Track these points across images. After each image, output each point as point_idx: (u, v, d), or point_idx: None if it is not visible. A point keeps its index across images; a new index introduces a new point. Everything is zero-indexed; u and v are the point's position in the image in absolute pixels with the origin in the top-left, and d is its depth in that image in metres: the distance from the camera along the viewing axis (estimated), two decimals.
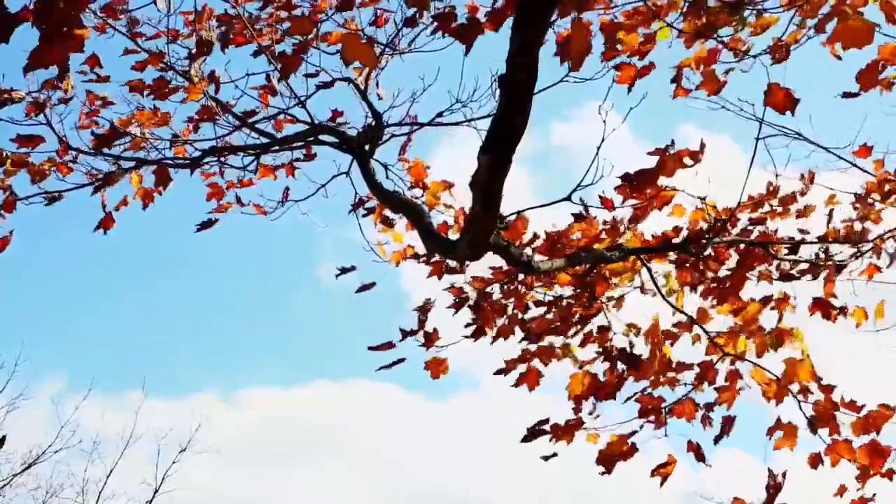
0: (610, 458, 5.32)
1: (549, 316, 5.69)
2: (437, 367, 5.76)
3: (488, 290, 5.79)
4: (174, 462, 19.85)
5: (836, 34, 3.66)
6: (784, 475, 4.18)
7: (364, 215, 6.15)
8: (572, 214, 5.04)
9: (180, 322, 31.50)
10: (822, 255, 5.69)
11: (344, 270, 5.96)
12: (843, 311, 5.63)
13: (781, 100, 4.31)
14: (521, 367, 5.69)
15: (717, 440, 5.46)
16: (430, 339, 5.67)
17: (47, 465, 24.02)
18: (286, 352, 33.57)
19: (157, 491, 19.49)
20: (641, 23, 4.69)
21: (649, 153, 4.84)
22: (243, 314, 33.28)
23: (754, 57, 4.67)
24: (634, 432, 5.37)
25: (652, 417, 5.42)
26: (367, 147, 5.23)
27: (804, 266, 5.71)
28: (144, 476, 19.71)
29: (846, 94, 4.85)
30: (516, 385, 5.65)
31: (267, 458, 28.00)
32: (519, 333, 5.76)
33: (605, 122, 4.20)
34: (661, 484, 5.28)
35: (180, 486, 19.68)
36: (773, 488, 4.15)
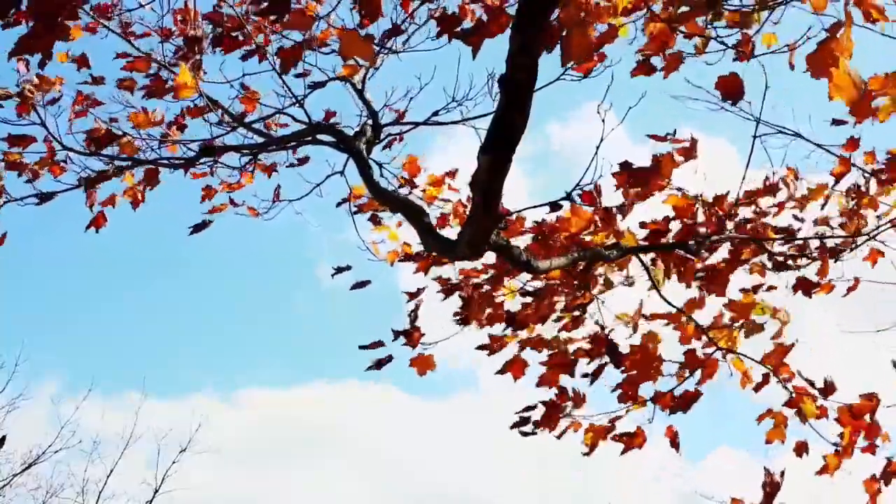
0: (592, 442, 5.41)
1: (533, 304, 5.71)
2: (423, 365, 5.73)
3: (477, 281, 5.80)
4: (174, 462, 19.91)
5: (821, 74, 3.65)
6: (783, 474, 4.20)
7: (355, 212, 6.15)
8: (570, 203, 4.99)
9: (180, 322, 31.54)
10: (816, 244, 5.73)
11: (339, 270, 5.95)
12: (816, 284, 5.70)
13: (730, 88, 4.35)
14: (507, 352, 5.69)
15: (672, 412, 5.48)
16: (411, 338, 5.63)
17: (47, 465, 23.99)
18: (286, 352, 33.60)
19: (157, 491, 19.48)
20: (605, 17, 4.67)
21: (649, 135, 4.86)
22: (243, 314, 33.34)
23: (722, 50, 4.66)
24: (618, 417, 5.43)
25: (631, 403, 5.47)
26: (364, 146, 5.22)
27: (799, 257, 5.75)
28: (144, 476, 19.86)
29: (836, 122, 4.98)
30: (502, 372, 5.62)
31: (267, 458, 28.06)
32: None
33: (603, 121, 4.20)
34: (623, 452, 5.36)
35: (180, 487, 19.78)
36: (770, 486, 4.17)
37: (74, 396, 26.07)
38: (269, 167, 6.08)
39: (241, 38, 5.23)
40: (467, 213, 4.60)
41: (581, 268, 5.38)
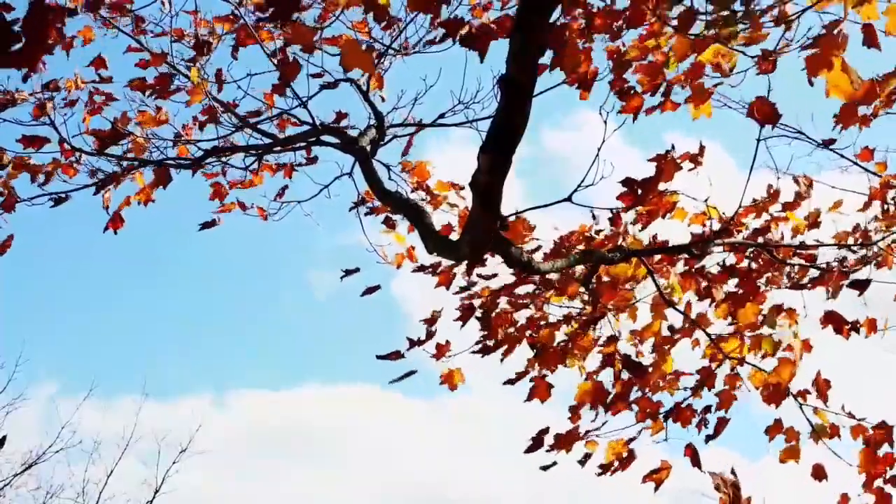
0: (608, 464, 5.36)
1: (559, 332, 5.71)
2: (452, 380, 5.80)
3: (497, 301, 5.79)
4: (175, 462, 19.95)
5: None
6: (733, 472, 4.09)
7: (366, 213, 6.17)
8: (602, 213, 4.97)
9: (176, 324, 31.58)
10: (834, 263, 5.67)
11: (348, 273, 5.96)
12: (854, 326, 5.60)
13: (765, 113, 4.33)
14: (530, 378, 5.65)
15: (708, 439, 5.45)
16: (440, 351, 5.68)
17: (47, 466, 24.13)
18: (281, 354, 33.66)
19: (157, 491, 19.56)
20: (647, 50, 4.69)
21: (650, 160, 4.84)
22: (237, 317, 33.41)
23: (742, 72, 4.65)
24: (633, 439, 5.37)
25: (650, 423, 5.42)
26: (368, 147, 5.25)
27: (815, 274, 5.69)
28: (142, 478, 19.87)
29: (825, 143, 4.95)
30: (528, 399, 5.55)
31: (264, 460, 28.09)
32: (525, 345, 5.75)
33: (605, 122, 4.20)
34: (656, 489, 5.28)
35: (178, 488, 19.84)
36: (728, 488, 4.07)
37: (74, 397, 26.25)
38: (287, 168, 6.12)
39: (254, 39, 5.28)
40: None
41: (588, 276, 5.35)
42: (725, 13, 4.34)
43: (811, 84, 3.38)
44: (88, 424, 28.70)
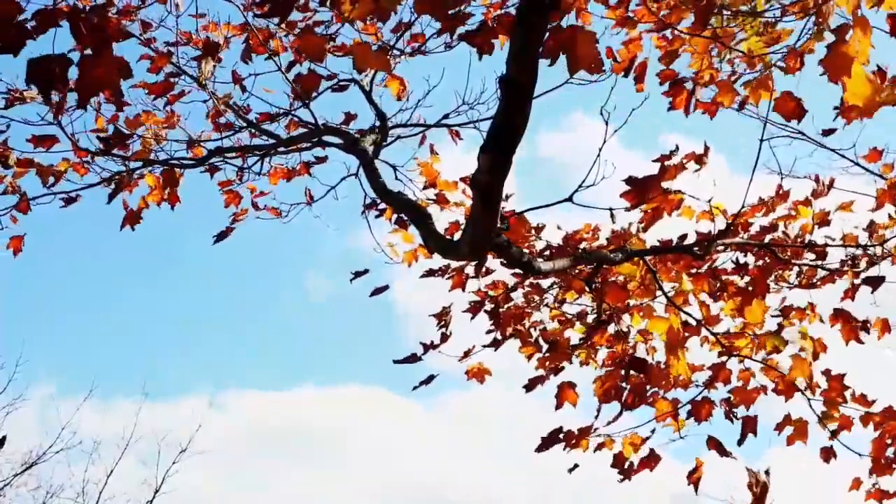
0: (630, 465, 5.35)
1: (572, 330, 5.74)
2: (480, 374, 5.99)
3: (510, 296, 5.82)
4: (175, 462, 20.04)
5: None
6: (767, 472, 4.09)
7: (377, 216, 6.19)
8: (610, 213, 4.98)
9: (176, 324, 31.64)
10: (847, 262, 5.65)
11: (358, 274, 5.99)
12: (865, 325, 5.57)
13: (792, 109, 4.30)
14: (551, 383, 5.67)
15: (740, 442, 5.43)
16: (466, 354, 5.81)
17: (47, 466, 24.25)
18: (279, 354, 33.71)
19: (157, 491, 19.64)
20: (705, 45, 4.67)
21: (654, 160, 4.83)
22: (236, 317, 33.53)
23: (769, 67, 4.64)
24: (648, 437, 5.36)
25: (669, 420, 5.41)
26: (371, 148, 5.26)
27: (824, 273, 5.67)
28: (138, 478, 19.98)
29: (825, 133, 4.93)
30: (558, 407, 5.56)
31: (264, 460, 28.12)
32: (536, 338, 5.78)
33: (606, 123, 4.19)
34: (696, 490, 5.27)
35: (176, 489, 19.93)
36: (758, 487, 4.06)
37: (74, 397, 26.38)
38: (302, 166, 6.15)
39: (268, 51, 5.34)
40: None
41: (591, 276, 5.35)
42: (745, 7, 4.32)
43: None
44: (88, 425, 28.83)
